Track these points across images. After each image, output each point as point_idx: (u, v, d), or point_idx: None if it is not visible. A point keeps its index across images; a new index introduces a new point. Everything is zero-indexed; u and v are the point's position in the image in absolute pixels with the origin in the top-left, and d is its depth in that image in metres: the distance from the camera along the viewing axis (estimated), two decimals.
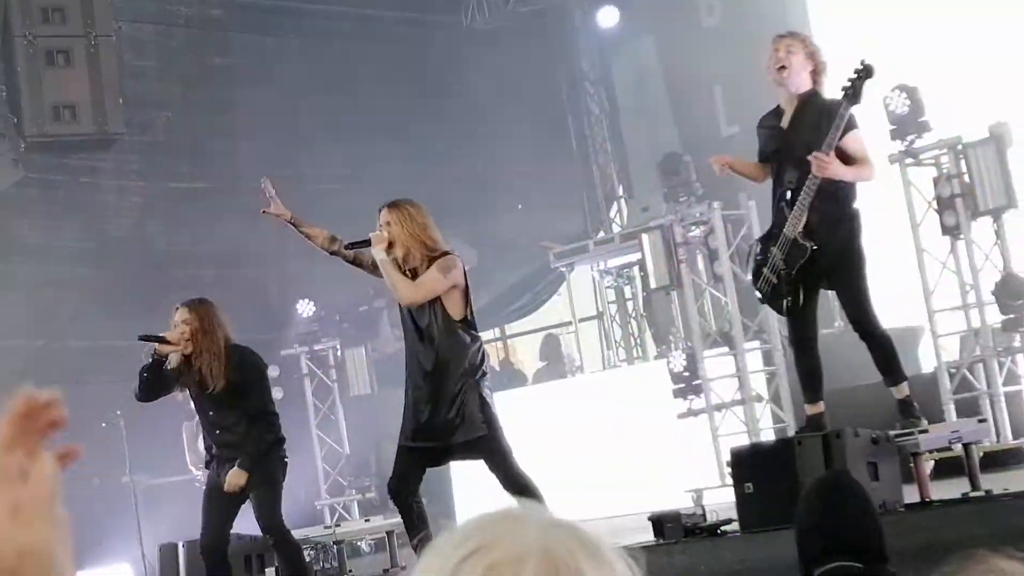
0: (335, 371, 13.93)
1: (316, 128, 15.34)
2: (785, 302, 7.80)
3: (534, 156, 16.47)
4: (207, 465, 8.87)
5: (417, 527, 7.62)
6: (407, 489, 7.75)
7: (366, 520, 11.84)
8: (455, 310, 7.61)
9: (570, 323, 14.92)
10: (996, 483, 7.72)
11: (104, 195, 14.94)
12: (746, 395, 10.95)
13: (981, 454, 8.06)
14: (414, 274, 7.61)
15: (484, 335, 15.64)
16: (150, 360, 8.47)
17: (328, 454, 13.81)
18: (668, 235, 11.50)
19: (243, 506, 8.62)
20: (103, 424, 12.59)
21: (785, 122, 7.80)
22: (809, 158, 7.45)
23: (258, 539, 9.38)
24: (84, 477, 13.76)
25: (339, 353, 13.87)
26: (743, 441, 10.28)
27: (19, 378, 13.11)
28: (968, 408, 9.56)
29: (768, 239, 7.87)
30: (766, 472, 7.46)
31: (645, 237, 11.79)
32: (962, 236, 9.95)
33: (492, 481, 7.75)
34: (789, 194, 7.64)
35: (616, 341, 14.78)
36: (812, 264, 7.64)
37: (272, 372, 11.45)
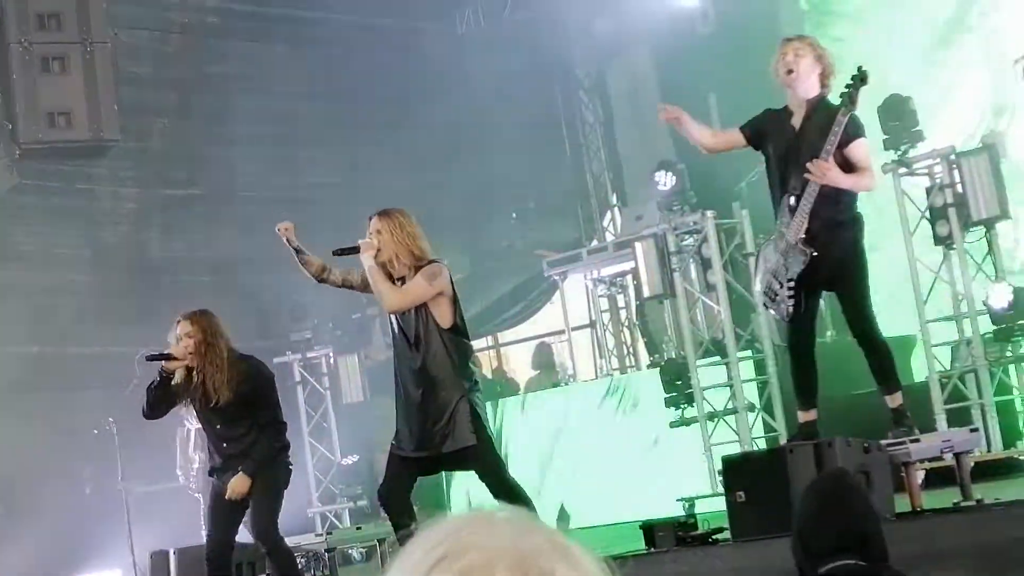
0: (328, 378, 13.93)
1: (311, 135, 15.36)
2: (787, 308, 7.80)
3: (528, 164, 16.48)
4: (211, 473, 8.85)
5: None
6: (397, 496, 7.76)
7: (358, 528, 11.84)
8: (443, 318, 7.63)
9: (563, 331, 14.92)
10: (987, 493, 7.73)
11: (99, 202, 14.94)
12: (738, 404, 10.96)
13: (972, 464, 8.07)
14: (401, 283, 7.65)
15: (477, 343, 15.75)
16: (158, 377, 8.46)
17: (320, 461, 13.81)
18: (661, 244, 11.51)
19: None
20: (96, 431, 12.59)
21: (796, 124, 7.80)
22: (808, 165, 7.47)
23: (249, 546, 9.37)
24: (76, 484, 13.76)
25: (332, 360, 13.87)
26: (735, 450, 10.29)
27: (14, 385, 13.16)
28: (959, 418, 9.58)
29: (772, 246, 7.87)
30: (758, 481, 7.47)
31: (638, 246, 11.80)
32: (955, 246, 9.97)
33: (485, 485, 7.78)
34: (793, 200, 7.65)
35: (609, 350, 14.78)
36: (814, 270, 7.66)
37: None
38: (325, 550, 11.04)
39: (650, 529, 7.89)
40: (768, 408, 11.01)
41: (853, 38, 13.72)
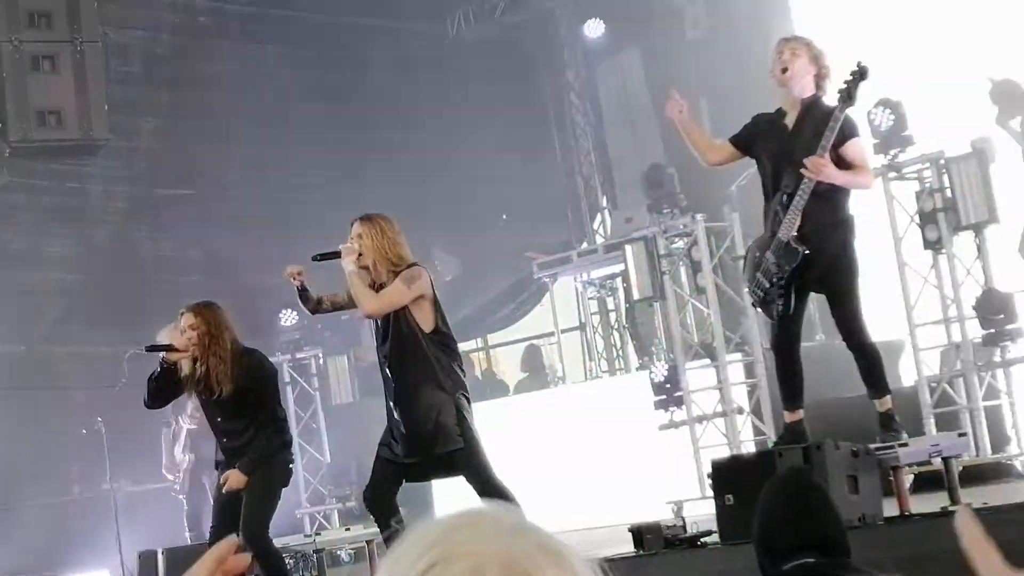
0: (317, 379, 13.92)
1: (301, 136, 15.35)
2: (776, 307, 7.81)
3: (519, 167, 16.49)
4: (216, 466, 8.84)
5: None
6: (383, 499, 7.76)
7: (346, 529, 11.84)
8: (425, 322, 7.64)
9: (552, 334, 14.93)
10: (975, 497, 7.74)
11: (89, 201, 14.93)
12: (727, 407, 10.97)
13: (960, 468, 8.08)
14: (378, 289, 7.66)
15: (467, 345, 15.76)
16: (159, 368, 8.45)
17: (309, 463, 13.79)
18: (651, 247, 11.52)
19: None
20: (84, 431, 12.57)
21: (790, 123, 7.81)
22: (804, 161, 7.48)
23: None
24: (65, 483, 13.75)
25: (321, 361, 13.87)
26: (724, 453, 10.30)
27: (2, 384, 13.12)
28: (948, 422, 9.59)
29: (763, 244, 7.87)
30: (746, 484, 7.45)
31: (628, 248, 11.81)
32: (944, 250, 9.99)
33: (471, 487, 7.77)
34: (786, 198, 7.65)
35: (598, 352, 14.79)
36: (805, 270, 7.66)
37: None
38: (313, 551, 11.03)
39: (639, 532, 7.89)
40: (757, 411, 11.02)
41: (843, 42, 13.73)
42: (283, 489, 8.69)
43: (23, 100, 12.75)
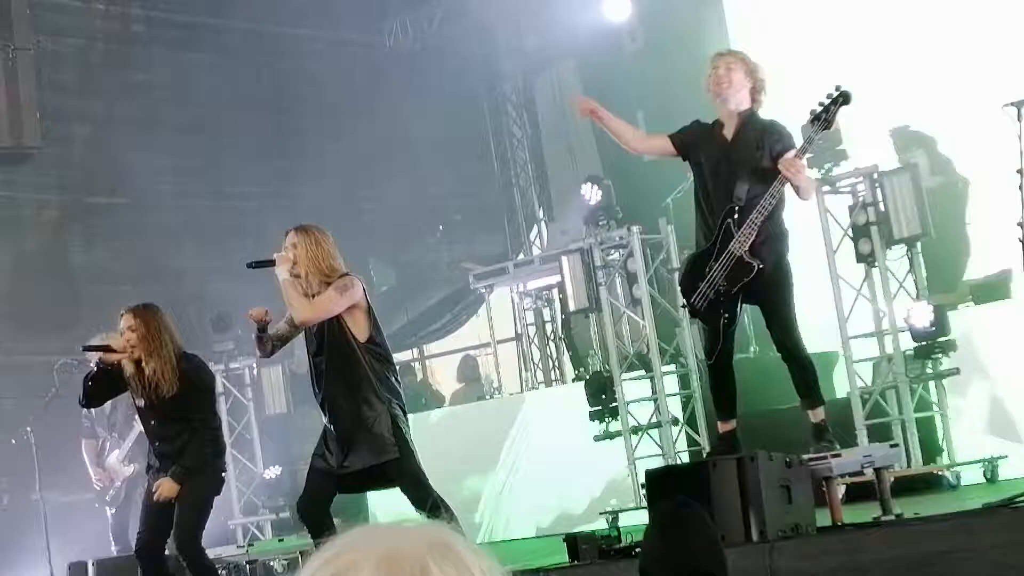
0: (251, 390, 13.82)
1: (236, 145, 15.26)
2: (723, 317, 7.84)
3: (455, 178, 16.50)
4: (147, 470, 8.76)
5: None
6: (316, 509, 7.73)
7: (280, 540, 11.77)
8: (359, 331, 7.63)
9: (489, 344, 14.92)
10: (907, 508, 7.80)
11: (20, 209, 14.78)
12: (662, 418, 11.00)
13: (892, 479, 8.14)
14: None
15: (403, 355, 15.73)
16: (95, 368, 8.38)
17: (242, 473, 13.68)
18: (587, 258, 11.54)
19: None
20: (13, 440, 12.42)
21: (728, 135, 7.86)
22: (781, 164, 7.49)
23: (168, 558, 9.24)
24: None
25: (255, 372, 13.76)
26: (659, 463, 10.32)
27: None
28: (880, 433, 9.66)
29: (706, 255, 7.86)
30: (681, 494, 7.47)
31: (565, 260, 11.81)
32: (877, 264, 10.06)
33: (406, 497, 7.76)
34: (738, 212, 7.68)
35: (534, 363, 14.79)
36: (741, 286, 7.71)
37: None
38: (247, 562, 10.97)
39: (574, 542, 7.89)
40: (692, 422, 11.05)
41: (778, 55, 13.83)
42: (215, 498, 8.63)
43: None
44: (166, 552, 8.84)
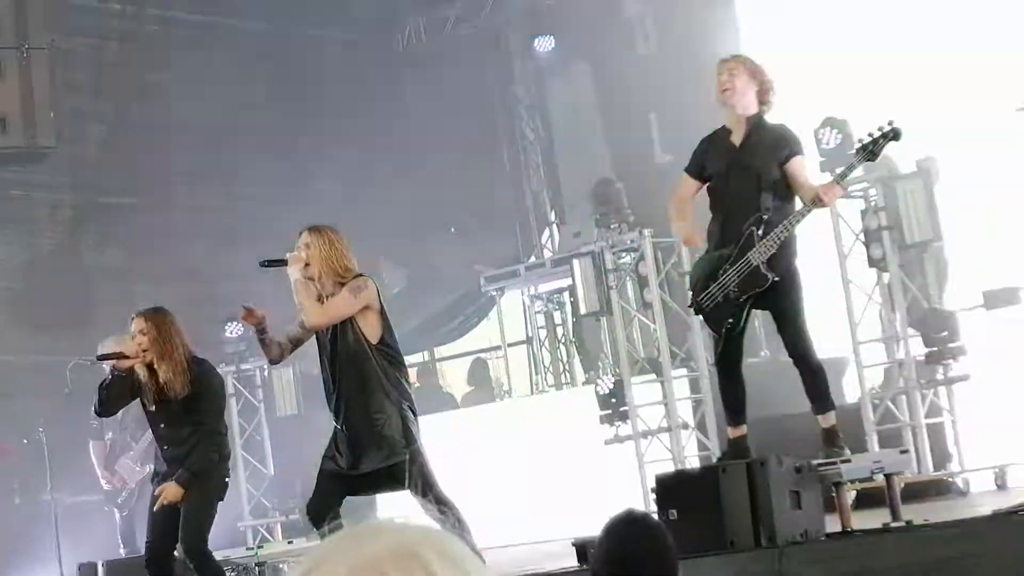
0: (262, 391, 13.83)
1: (249, 145, 15.28)
2: (727, 322, 7.85)
3: (468, 180, 16.49)
4: (153, 477, 8.77)
5: None
6: (325, 512, 7.72)
7: (289, 542, 11.77)
8: (371, 332, 7.61)
9: (499, 347, 14.92)
10: (917, 514, 7.79)
11: (35, 209, 14.82)
12: (672, 422, 11.00)
13: (902, 485, 8.13)
14: (323, 300, 7.63)
15: (413, 358, 15.72)
16: (110, 375, 8.39)
17: (252, 475, 13.71)
18: (599, 261, 11.54)
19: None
20: (25, 441, 12.45)
21: (737, 141, 7.86)
22: (822, 194, 7.50)
23: (175, 561, 9.23)
24: (6, 493, 13.61)
25: (266, 373, 13.78)
26: (668, 468, 10.32)
27: None
28: (891, 439, 9.65)
29: (722, 257, 7.85)
30: (691, 499, 7.49)
31: (576, 263, 11.82)
32: (888, 269, 10.06)
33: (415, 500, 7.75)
34: (764, 222, 7.67)
35: (545, 366, 14.79)
36: (752, 292, 7.72)
37: None
38: (256, 564, 10.96)
39: (583, 547, 7.89)
40: (702, 426, 11.05)
41: (789, 59, 13.82)
42: (220, 503, 8.63)
43: None
44: (175, 555, 8.84)
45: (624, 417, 11.15)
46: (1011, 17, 11.91)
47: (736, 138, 7.86)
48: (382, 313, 7.71)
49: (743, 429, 8.01)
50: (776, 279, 7.64)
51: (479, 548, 7.10)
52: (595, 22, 15.39)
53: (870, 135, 7.61)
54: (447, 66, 16.44)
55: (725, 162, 7.86)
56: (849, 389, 11.05)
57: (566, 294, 14.25)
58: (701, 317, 8.34)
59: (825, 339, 11.51)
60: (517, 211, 17.34)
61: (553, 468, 12.00)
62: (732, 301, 7.79)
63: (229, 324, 13.53)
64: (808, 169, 7.82)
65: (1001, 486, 9.59)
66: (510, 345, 14.76)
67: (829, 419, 7.93)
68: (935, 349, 9.84)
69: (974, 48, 12.07)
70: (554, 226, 16.98)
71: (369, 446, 7.60)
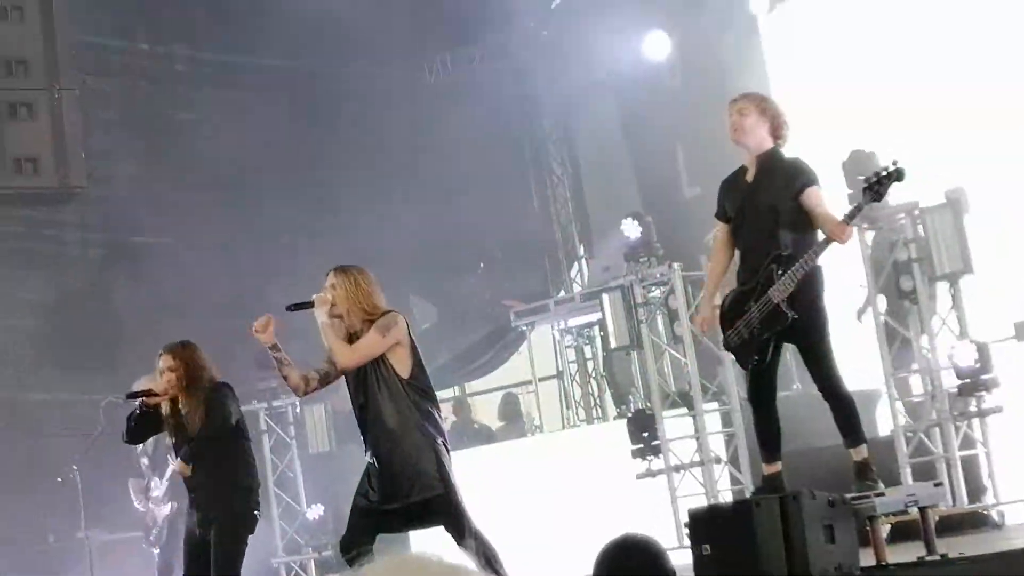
0: (294, 428, 13.87)
1: (278, 183, 15.36)
2: (753, 359, 7.83)
3: (496, 214, 16.52)
4: (191, 505, 8.77)
5: None
6: (359, 548, 7.72)
7: None
8: (402, 368, 7.62)
9: (530, 382, 14.92)
10: (952, 547, 7.74)
11: (66, 248, 14.92)
12: (704, 456, 10.97)
13: (937, 518, 8.08)
14: (354, 339, 7.64)
15: (444, 393, 15.72)
16: (138, 410, 8.44)
17: (285, 512, 13.73)
18: (628, 295, 11.54)
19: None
20: (59, 479, 12.49)
21: (750, 178, 7.86)
22: (834, 232, 7.48)
23: None
24: (40, 532, 13.65)
25: (298, 410, 13.81)
26: (701, 502, 10.28)
27: None
28: (924, 472, 9.61)
29: (747, 293, 7.85)
30: (723, 534, 7.45)
31: (605, 297, 11.83)
32: (919, 300, 10.03)
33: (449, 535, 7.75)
34: (783, 259, 7.65)
35: (576, 400, 14.78)
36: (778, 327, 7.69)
37: None
38: None
39: None
40: (734, 461, 11.02)
41: (816, 91, 13.83)
42: (250, 536, 8.63)
43: (0, 147, 12.74)
44: None
45: (656, 451, 11.13)
46: None
47: (750, 176, 7.87)
48: (413, 348, 7.72)
49: (777, 466, 7.96)
50: (795, 316, 7.61)
51: None
52: (621, 55, 15.42)
53: (876, 174, 7.56)
54: (474, 101, 16.50)
55: (740, 201, 7.87)
56: (882, 421, 11.00)
57: (596, 328, 14.24)
58: (731, 353, 8.33)
59: (857, 372, 11.49)
60: (546, 245, 17.36)
61: (585, 502, 11.98)
62: (756, 339, 7.77)
63: (261, 361, 13.56)
64: (826, 199, 7.74)
65: None
66: (541, 380, 14.75)
67: (861, 452, 7.88)
68: (968, 381, 9.79)
69: (1004, 72, 12.06)
70: (583, 260, 16.99)
71: (402, 481, 7.60)
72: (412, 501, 7.62)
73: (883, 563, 7.49)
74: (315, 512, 13.58)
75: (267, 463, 13.76)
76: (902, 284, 10.06)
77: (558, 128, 17.49)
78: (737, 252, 8.03)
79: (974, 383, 9.77)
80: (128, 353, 13.82)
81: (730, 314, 8.00)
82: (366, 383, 7.68)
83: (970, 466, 9.94)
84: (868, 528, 7.61)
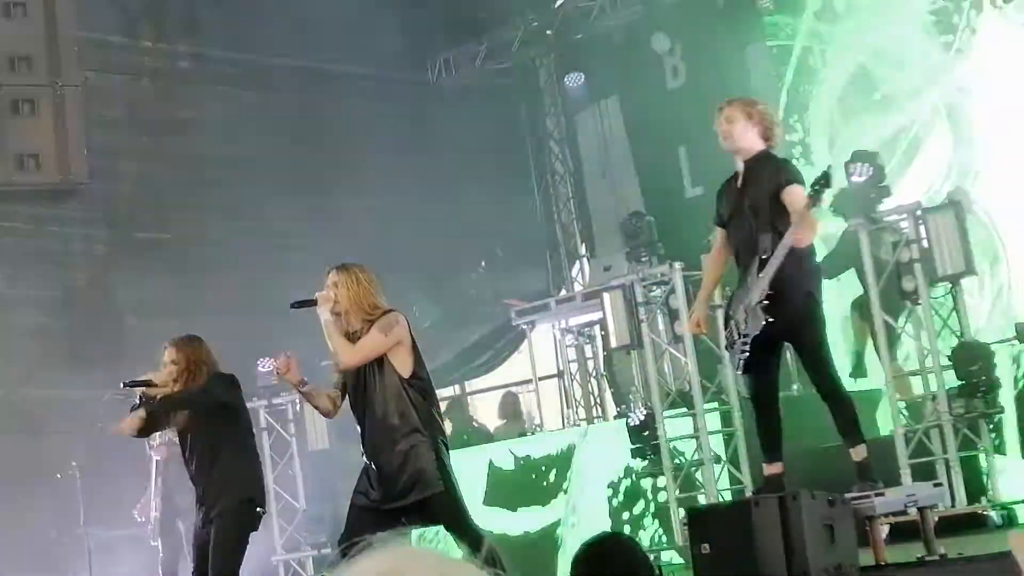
0: (293, 425, 13.86)
1: (280, 181, 15.37)
2: (739, 360, 7.85)
3: (498, 214, 16.54)
4: (196, 502, 8.78)
5: None
6: (357, 546, 7.69)
7: None
8: (403, 367, 7.63)
9: (530, 381, 14.92)
10: (951, 548, 7.75)
11: (68, 244, 14.92)
12: (704, 456, 10.97)
13: (936, 518, 8.09)
14: (352, 338, 7.65)
15: (444, 392, 15.72)
16: (138, 402, 8.44)
17: (284, 509, 13.72)
18: (629, 295, 11.54)
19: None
20: (59, 475, 12.52)
21: (740, 182, 7.88)
22: (793, 237, 7.46)
23: None
24: (40, 528, 13.66)
25: (298, 407, 13.81)
26: (700, 502, 10.29)
27: None
28: (924, 472, 9.61)
29: (740, 297, 7.86)
30: (723, 533, 7.46)
31: (606, 296, 11.82)
32: (920, 301, 10.02)
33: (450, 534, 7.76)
34: (759, 262, 7.65)
35: (576, 399, 14.78)
36: (770, 326, 7.67)
37: None
38: None
39: None
40: (734, 460, 11.02)
41: (819, 89, 13.84)
42: (254, 533, 8.63)
43: (2, 143, 12.74)
44: None
45: (656, 450, 11.13)
46: None
47: (740, 180, 7.88)
48: (414, 348, 7.72)
49: (778, 467, 7.95)
50: (770, 320, 7.59)
51: None
52: (625, 56, 15.43)
53: (812, 186, 7.51)
54: (477, 101, 16.51)
55: (731, 206, 7.88)
56: (883, 422, 11.01)
57: (597, 327, 14.24)
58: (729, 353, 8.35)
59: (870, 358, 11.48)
60: (547, 245, 17.37)
61: (585, 501, 11.98)
62: (741, 342, 7.78)
63: (261, 360, 13.57)
64: (802, 198, 7.65)
65: None
66: (541, 379, 14.75)
67: (860, 452, 7.88)
68: (968, 382, 9.79)
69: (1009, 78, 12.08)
70: (584, 259, 16.99)
71: (402, 479, 7.60)
72: (412, 500, 7.62)
73: (882, 563, 7.50)
74: (314, 510, 13.58)
75: (266, 460, 13.75)
76: (904, 284, 10.06)
77: (560, 128, 17.49)
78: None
79: (975, 384, 9.77)
80: (130, 350, 13.83)
81: (727, 314, 8.02)
82: (366, 382, 7.68)
83: (970, 466, 9.94)
84: (867, 528, 7.62)
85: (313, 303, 7.71)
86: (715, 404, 11.28)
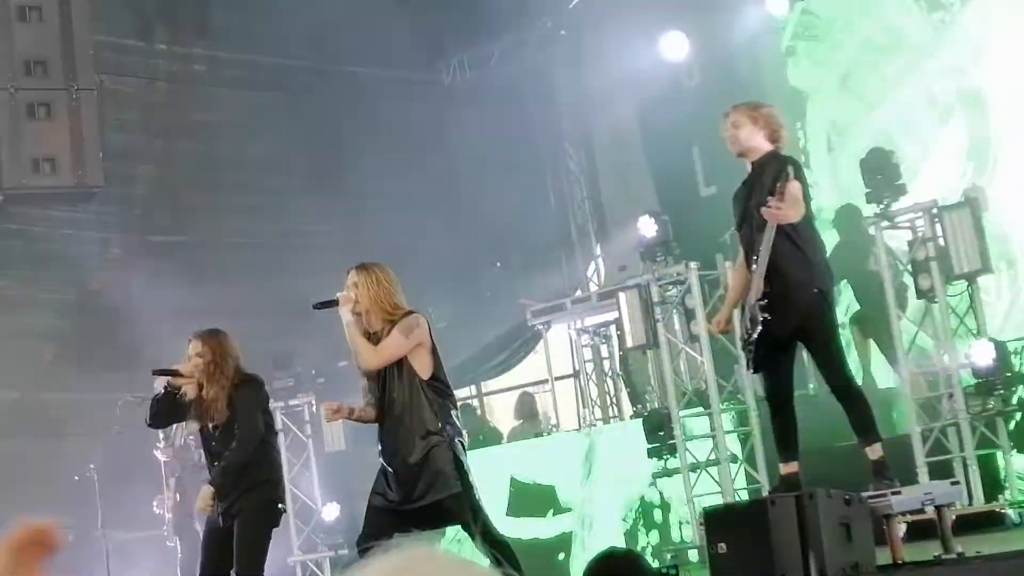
0: (310, 427, 13.88)
1: (296, 183, 15.39)
2: (748, 359, 7.86)
3: (513, 214, 16.53)
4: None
5: None
6: (375, 547, 7.68)
7: None
8: (422, 369, 7.63)
9: (546, 381, 14.91)
10: (968, 546, 7.73)
11: (84, 247, 14.95)
12: (721, 455, 10.96)
13: (954, 517, 8.07)
14: (373, 338, 7.65)
15: (461, 392, 15.72)
16: (162, 391, 8.46)
17: (301, 510, 13.74)
18: (645, 294, 11.54)
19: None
20: (76, 477, 12.54)
21: (747, 184, 7.88)
22: (764, 212, 7.42)
23: None
24: (59, 530, 13.71)
25: (314, 409, 13.83)
26: (717, 501, 10.28)
27: None
28: (941, 471, 9.59)
29: (747, 296, 7.89)
30: (740, 532, 7.45)
31: (622, 296, 11.82)
32: (937, 299, 10.00)
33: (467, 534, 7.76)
34: (754, 261, 7.65)
35: (592, 399, 14.77)
36: (778, 325, 7.66)
37: None
38: None
39: None
40: (750, 459, 11.01)
41: (833, 88, 13.81)
42: (274, 530, 8.63)
43: (18, 147, 12.77)
44: None
45: (672, 450, 11.13)
46: None
47: (747, 182, 7.89)
48: (433, 349, 7.72)
49: (794, 466, 7.94)
50: (767, 317, 7.58)
51: None
52: (639, 55, 15.42)
53: (778, 186, 7.47)
54: (491, 101, 16.51)
55: (741, 209, 7.88)
56: (900, 420, 10.99)
57: (612, 327, 14.24)
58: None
59: (875, 371, 11.48)
60: (563, 245, 17.37)
61: (602, 501, 11.98)
62: (747, 342, 7.79)
63: (278, 361, 13.61)
64: (798, 191, 7.59)
65: None
66: (557, 379, 14.75)
67: (876, 451, 7.87)
68: (985, 380, 9.77)
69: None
70: (599, 259, 16.98)
71: (420, 480, 7.60)
72: (430, 501, 7.62)
73: (900, 562, 7.48)
74: (331, 511, 13.59)
75: (284, 461, 13.77)
76: (920, 283, 10.04)
77: (575, 127, 17.48)
78: None
79: (991, 382, 9.75)
80: (146, 352, 13.86)
81: (741, 314, 8.05)
82: (386, 383, 7.69)
83: (987, 465, 9.92)
84: (885, 527, 7.60)
85: (335, 304, 7.71)
86: (731, 403, 11.28)
